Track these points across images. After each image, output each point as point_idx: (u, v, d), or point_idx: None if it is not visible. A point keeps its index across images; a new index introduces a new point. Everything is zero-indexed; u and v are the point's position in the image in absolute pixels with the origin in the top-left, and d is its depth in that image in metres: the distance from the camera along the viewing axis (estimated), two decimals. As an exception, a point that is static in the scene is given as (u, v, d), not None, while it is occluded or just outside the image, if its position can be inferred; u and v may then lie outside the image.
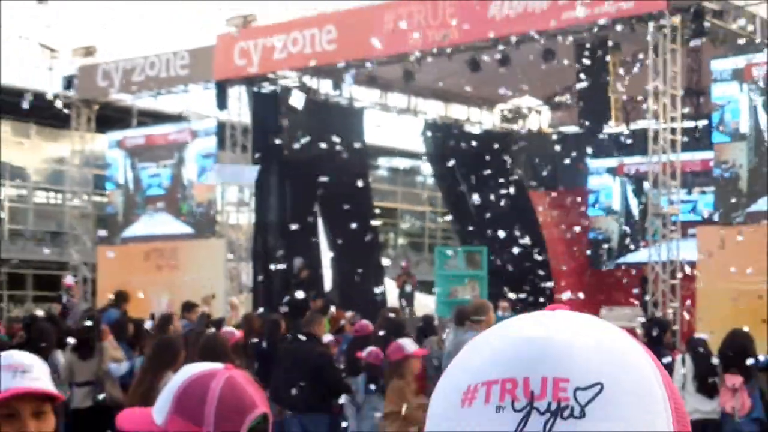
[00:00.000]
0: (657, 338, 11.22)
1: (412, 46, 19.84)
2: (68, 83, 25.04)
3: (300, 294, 17.17)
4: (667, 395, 0.86)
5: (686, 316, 16.63)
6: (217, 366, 2.31)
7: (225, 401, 2.20)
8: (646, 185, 18.31)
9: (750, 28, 18.24)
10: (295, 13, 22.37)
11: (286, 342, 12.06)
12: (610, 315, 16.74)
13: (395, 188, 45.19)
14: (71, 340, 11.86)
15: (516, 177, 24.29)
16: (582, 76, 21.00)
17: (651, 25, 17.30)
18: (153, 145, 24.09)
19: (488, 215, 21.52)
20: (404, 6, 19.63)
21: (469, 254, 20.69)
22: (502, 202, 21.16)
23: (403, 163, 44.46)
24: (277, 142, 21.92)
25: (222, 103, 22.58)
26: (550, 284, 20.78)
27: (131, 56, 23.87)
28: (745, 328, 11.06)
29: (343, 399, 11.72)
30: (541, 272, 21.09)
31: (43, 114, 29.02)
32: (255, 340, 13.24)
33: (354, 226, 21.35)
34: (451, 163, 24.01)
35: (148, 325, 14.52)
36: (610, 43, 20.48)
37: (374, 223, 24.77)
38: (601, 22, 17.95)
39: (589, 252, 23.72)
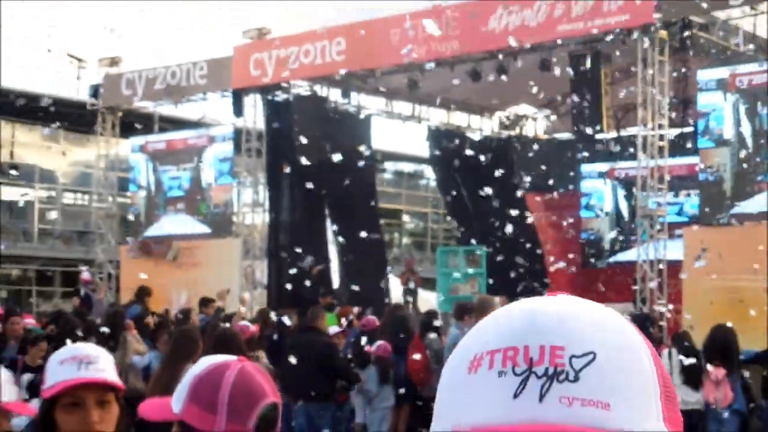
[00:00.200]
0: (644, 333, 11.21)
1: (416, 57, 19.87)
2: (94, 91, 25.10)
3: (310, 290, 17.20)
4: (656, 370, 0.88)
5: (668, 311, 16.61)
6: (231, 358, 2.32)
7: (237, 391, 2.20)
8: (635, 188, 18.29)
9: (734, 40, 18.24)
10: (306, 26, 22.44)
11: (293, 335, 12.08)
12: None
13: (400, 191, 45.16)
14: (103, 329, 11.90)
15: (513, 180, 24.25)
16: (575, 85, 21.01)
17: (641, 38, 17.29)
18: (173, 150, 24.10)
19: (487, 216, 21.49)
20: (409, 20, 19.63)
21: (469, 253, 20.67)
22: (500, 204, 21.14)
23: (407, 167, 44.48)
24: (290, 147, 21.94)
25: (238, 110, 22.60)
26: (545, 281, 20.78)
27: (153, 66, 23.90)
28: (729, 324, 11.05)
29: (347, 389, 11.71)
30: (536, 270, 21.07)
31: (70, 120, 29.06)
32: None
33: (361, 226, 21.36)
34: (453, 167, 24.01)
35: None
36: (602, 55, 20.46)
37: (380, 223, 24.77)
38: (594, 34, 17.96)
39: (582, 251, 23.71)
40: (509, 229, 20.89)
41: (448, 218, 29.48)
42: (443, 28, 19.17)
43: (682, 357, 10.60)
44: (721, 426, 10.44)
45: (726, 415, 10.11)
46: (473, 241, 22.26)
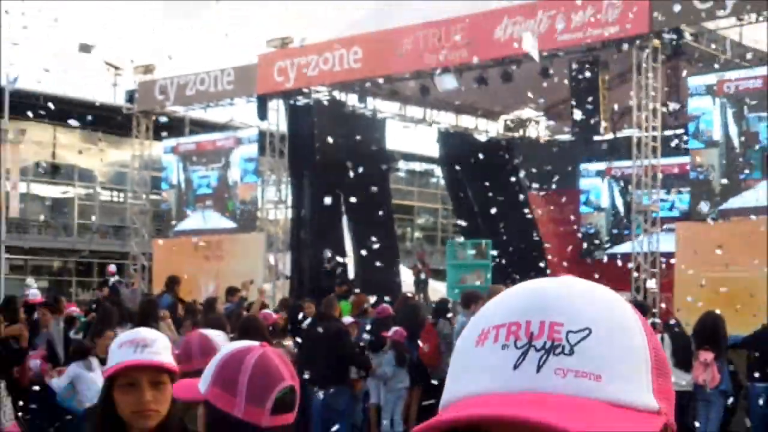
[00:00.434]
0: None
1: (427, 65, 19.87)
2: (130, 97, 25.17)
3: (327, 281, 17.23)
4: (649, 347, 0.89)
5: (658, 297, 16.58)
6: (253, 343, 2.33)
7: (256, 374, 2.22)
8: (631, 186, 18.26)
9: (722, 49, 18.20)
10: (326, 35, 22.43)
11: (309, 323, 12.10)
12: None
13: (412, 188, 45.18)
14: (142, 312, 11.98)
15: (517, 179, 24.24)
16: (575, 90, 20.96)
17: (635, 46, 17.25)
18: (203, 151, 24.15)
19: (493, 212, 21.48)
20: (421, 29, 19.62)
21: (477, 246, 20.66)
22: (505, 201, 21.14)
23: (419, 166, 44.48)
24: (310, 148, 21.98)
25: (263, 114, 22.62)
26: (546, 273, 20.75)
27: (184, 73, 23.94)
28: (717, 311, 11.04)
29: (357, 373, 11.68)
30: (538, 262, 21.06)
31: (108, 124, 29.18)
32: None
33: (375, 221, 21.39)
34: (461, 166, 23.99)
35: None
36: (599, 63, 20.41)
37: (393, 218, 24.75)
38: (592, 43, 17.92)
39: (581, 244, 23.68)
40: (513, 223, 20.92)
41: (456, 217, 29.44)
42: (452, 37, 19.16)
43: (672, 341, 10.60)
44: (708, 405, 10.45)
45: (713, 395, 10.11)
46: (480, 235, 22.27)
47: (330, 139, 21.23)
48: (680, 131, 19.00)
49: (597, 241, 23.97)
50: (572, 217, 24.05)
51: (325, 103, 22.77)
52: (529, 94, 21.08)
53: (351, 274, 22.40)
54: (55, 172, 36.82)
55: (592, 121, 21.90)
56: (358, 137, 21.79)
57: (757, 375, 10.54)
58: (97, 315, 12.24)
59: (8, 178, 28.02)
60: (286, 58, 21.80)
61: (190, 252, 22.80)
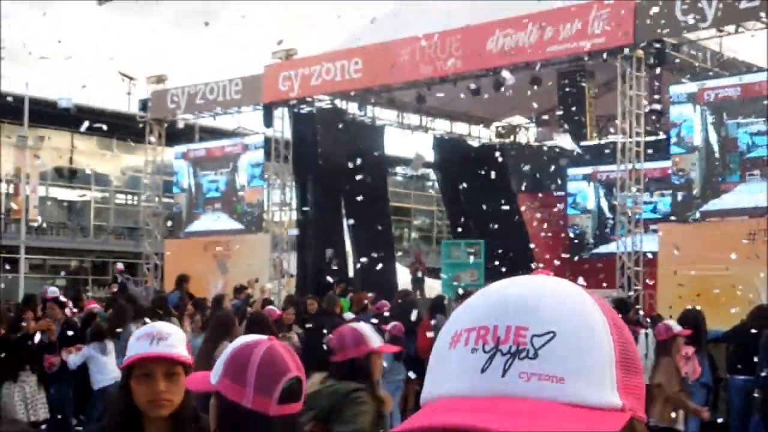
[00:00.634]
0: (623, 316, 11.18)
1: (423, 75, 19.86)
2: (143, 105, 25.16)
3: (328, 279, 17.22)
4: (615, 344, 0.87)
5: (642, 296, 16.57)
6: (261, 337, 2.33)
7: (263, 366, 2.21)
8: (615, 189, 18.24)
9: (702, 59, 18.19)
10: (327, 47, 22.42)
11: (311, 318, 12.10)
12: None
13: (409, 191, 45.19)
14: (158, 307, 11.96)
15: (508, 182, 24.22)
16: (563, 99, 20.99)
17: (619, 57, 17.24)
18: (212, 156, 24.13)
19: (485, 213, 21.47)
20: (417, 42, 19.60)
21: (470, 246, 20.66)
22: (496, 203, 21.13)
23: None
24: (313, 153, 21.96)
25: (268, 121, 22.60)
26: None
27: (195, 83, 23.93)
28: (698, 307, 11.02)
29: None
30: (527, 262, 21.00)
31: (122, 131, 29.17)
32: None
33: (374, 222, 21.37)
34: (455, 170, 23.97)
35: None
36: (586, 72, 20.43)
37: (391, 219, 24.73)
38: (579, 54, 17.91)
39: (568, 244, 23.66)
40: (504, 224, 20.89)
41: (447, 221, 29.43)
42: (447, 48, 19.15)
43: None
44: (690, 397, 10.41)
45: (695, 387, 10.08)
46: (472, 236, 22.26)
47: (332, 145, 21.20)
48: (662, 137, 19.00)
49: (583, 242, 23.96)
50: (560, 219, 24.05)
51: (327, 111, 22.76)
52: (520, 102, 21.09)
53: (351, 273, 22.40)
54: (72, 176, 36.82)
55: (578, 128, 21.94)
56: (358, 143, 21.79)
57: (739, 367, 10.53)
58: (112, 311, 12.23)
59: (28, 182, 27.98)
60: (290, 68, 21.80)
61: (199, 252, 22.79)
